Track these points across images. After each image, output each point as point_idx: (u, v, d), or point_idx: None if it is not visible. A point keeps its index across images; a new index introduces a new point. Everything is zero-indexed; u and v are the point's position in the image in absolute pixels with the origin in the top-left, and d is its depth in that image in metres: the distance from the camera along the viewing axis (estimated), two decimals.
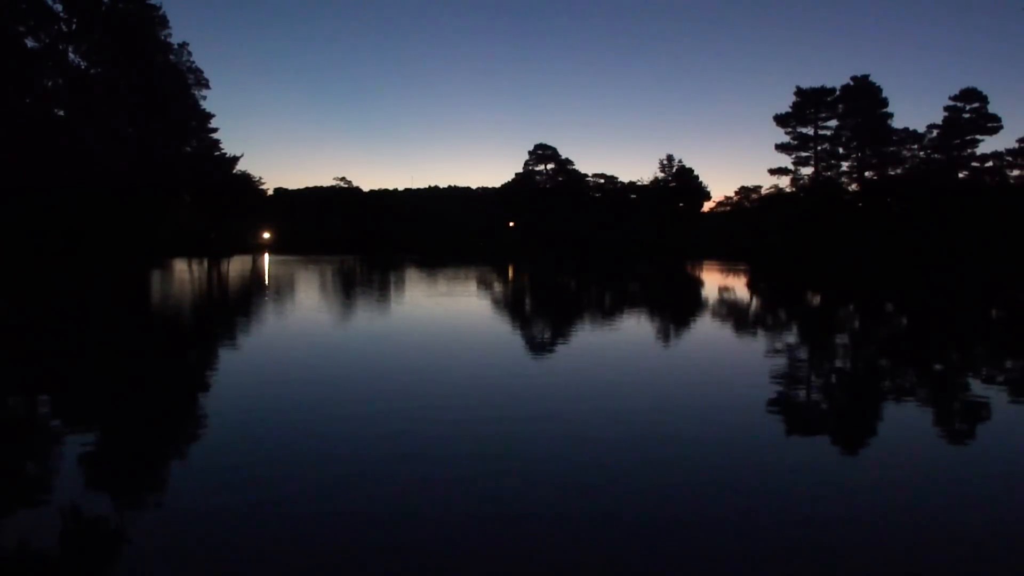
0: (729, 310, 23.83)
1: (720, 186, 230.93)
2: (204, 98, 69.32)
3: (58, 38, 53.13)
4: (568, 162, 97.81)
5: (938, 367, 14.03)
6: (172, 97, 61.75)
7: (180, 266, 49.03)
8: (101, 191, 50.60)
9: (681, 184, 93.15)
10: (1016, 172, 73.72)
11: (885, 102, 77.13)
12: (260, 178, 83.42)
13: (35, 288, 29.11)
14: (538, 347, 15.04)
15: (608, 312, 22.86)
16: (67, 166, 47.84)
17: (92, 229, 51.36)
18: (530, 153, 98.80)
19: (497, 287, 34.08)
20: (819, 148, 79.80)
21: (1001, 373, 12.96)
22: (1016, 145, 72.81)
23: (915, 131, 76.67)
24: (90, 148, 49.76)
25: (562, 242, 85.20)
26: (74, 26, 54.08)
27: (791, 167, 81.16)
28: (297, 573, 4.66)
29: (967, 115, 73.80)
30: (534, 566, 4.81)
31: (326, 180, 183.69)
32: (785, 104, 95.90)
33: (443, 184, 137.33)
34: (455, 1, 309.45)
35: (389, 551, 4.98)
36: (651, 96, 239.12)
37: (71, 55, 54.79)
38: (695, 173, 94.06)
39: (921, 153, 77.41)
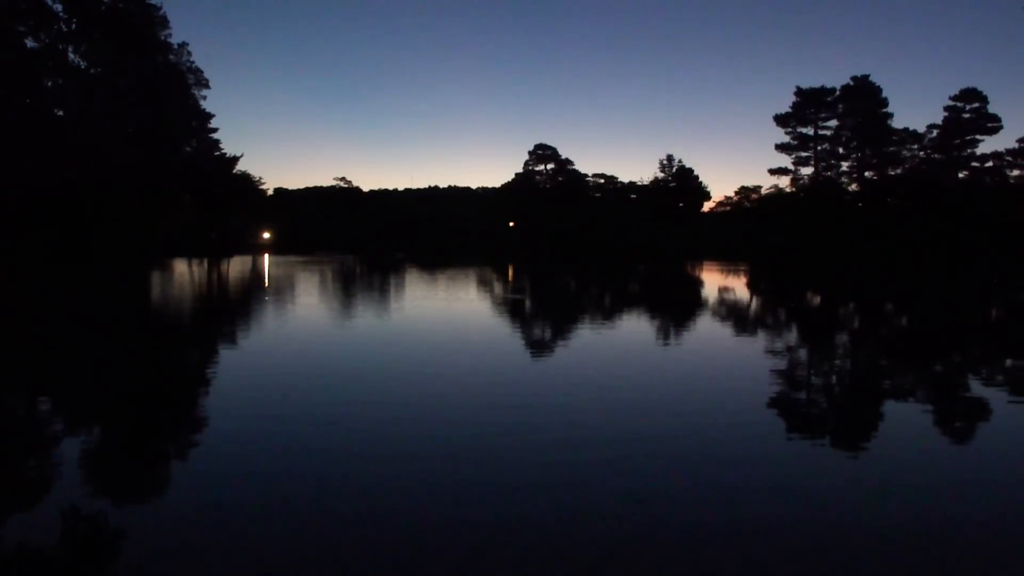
0: (729, 310, 23.83)
1: (720, 186, 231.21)
2: (204, 98, 69.36)
3: (58, 38, 53.12)
4: (568, 162, 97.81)
5: (938, 367, 14.02)
6: (172, 97, 61.72)
7: (180, 266, 49.03)
8: (101, 191, 50.58)
9: (681, 184, 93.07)
10: (1016, 172, 73.78)
11: (885, 102, 77.14)
12: (260, 178, 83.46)
13: (35, 288, 29.10)
14: (540, 347, 15.04)
15: (608, 313, 22.85)
16: (67, 166, 47.82)
17: (92, 229, 51.35)
18: (530, 153, 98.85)
19: (497, 288, 34.06)
20: (819, 148, 79.81)
21: (1001, 373, 12.96)
22: (1016, 145, 72.88)
23: (915, 131, 76.72)
24: (90, 148, 49.73)
25: (562, 242, 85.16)
26: (74, 26, 54.07)
27: (791, 167, 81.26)
28: (297, 573, 4.67)
29: (967, 115, 73.81)
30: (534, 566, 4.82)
31: (326, 180, 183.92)
32: (785, 104, 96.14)
33: (443, 184, 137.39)
34: (455, 1, 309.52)
35: (389, 552, 4.99)
36: (651, 96, 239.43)
37: (71, 55, 54.80)
38: (695, 173, 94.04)
39: (921, 153, 77.43)
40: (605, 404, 9.42)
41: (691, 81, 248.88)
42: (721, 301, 27.14)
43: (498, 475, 6.54)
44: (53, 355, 13.39)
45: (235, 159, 74.71)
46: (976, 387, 11.41)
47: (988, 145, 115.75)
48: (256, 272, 44.04)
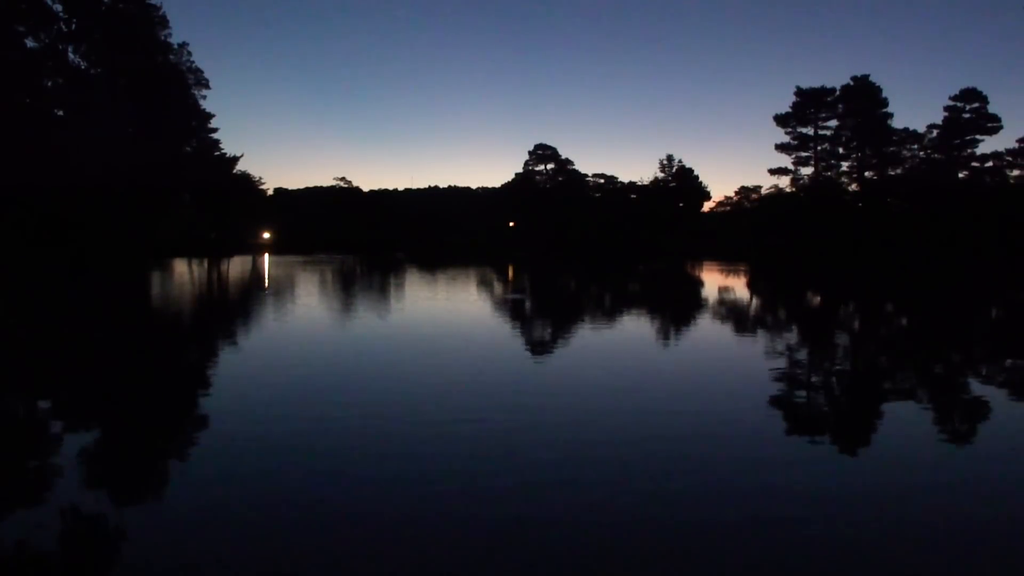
0: (729, 310, 23.82)
1: (720, 186, 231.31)
2: (204, 98, 69.38)
3: (58, 38, 53.17)
4: (568, 162, 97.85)
5: (937, 367, 14.02)
6: (172, 97, 61.73)
7: (180, 266, 49.01)
8: (101, 191, 50.60)
9: (681, 184, 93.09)
10: (1016, 172, 73.80)
11: (885, 102, 77.11)
12: (260, 178, 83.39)
13: (35, 288, 29.10)
14: (543, 346, 15.04)
15: (609, 313, 22.85)
16: (67, 166, 47.84)
17: (92, 229, 51.36)
18: (530, 153, 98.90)
19: (497, 288, 34.07)
20: (819, 148, 79.79)
21: (1001, 373, 12.96)
22: (1016, 145, 72.89)
23: (915, 131, 76.69)
24: (90, 148, 49.74)
25: (562, 242, 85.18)
26: (74, 26, 54.12)
27: (791, 167, 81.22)
28: (296, 571, 4.67)
29: (967, 115, 73.80)
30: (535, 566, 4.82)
31: (326, 180, 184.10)
32: (785, 104, 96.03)
33: (443, 184, 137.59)
34: (455, 1, 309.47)
35: (390, 553, 4.99)
36: (651, 96, 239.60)
37: (71, 55, 54.88)
38: (695, 173, 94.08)
39: (921, 153, 77.42)
40: (607, 404, 9.43)
41: (691, 81, 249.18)
42: (721, 301, 27.13)
43: (503, 473, 6.54)
44: (52, 355, 13.39)
45: (235, 159, 74.73)
46: (976, 386, 11.40)
47: (988, 145, 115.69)
48: (256, 272, 44.03)
